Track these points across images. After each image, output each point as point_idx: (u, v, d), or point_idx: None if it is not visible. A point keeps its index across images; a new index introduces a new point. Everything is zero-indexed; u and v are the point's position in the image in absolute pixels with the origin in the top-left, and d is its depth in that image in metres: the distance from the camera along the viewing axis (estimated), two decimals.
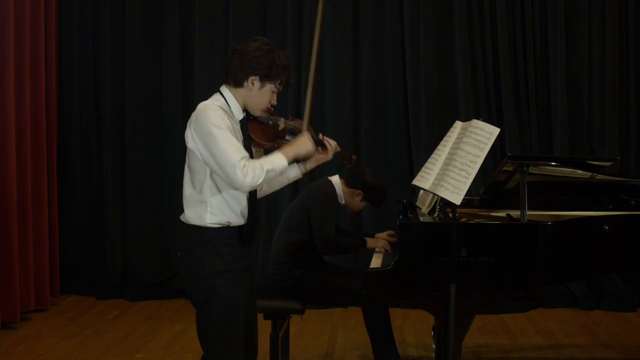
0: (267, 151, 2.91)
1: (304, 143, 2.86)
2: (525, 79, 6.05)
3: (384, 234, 4.17)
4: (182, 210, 2.92)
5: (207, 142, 2.72)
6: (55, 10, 6.19)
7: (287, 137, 2.91)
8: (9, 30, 5.33)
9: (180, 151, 6.44)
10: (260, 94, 2.83)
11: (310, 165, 3.01)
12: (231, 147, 2.69)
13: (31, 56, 5.67)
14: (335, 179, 4.18)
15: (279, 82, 2.84)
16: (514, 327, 5.36)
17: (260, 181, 2.70)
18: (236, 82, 2.83)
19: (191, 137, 2.78)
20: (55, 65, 6.16)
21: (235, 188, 2.75)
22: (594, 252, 3.50)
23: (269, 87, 2.83)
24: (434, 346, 4.16)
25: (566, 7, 6.01)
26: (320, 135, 2.98)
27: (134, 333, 5.22)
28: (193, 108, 3.44)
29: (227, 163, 2.68)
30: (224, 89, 2.87)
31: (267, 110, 2.89)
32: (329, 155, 2.98)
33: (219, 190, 2.80)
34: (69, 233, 6.39)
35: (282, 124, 2.91)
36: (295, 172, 3.03)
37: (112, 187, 6.40)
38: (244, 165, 2.67)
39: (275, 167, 2.75)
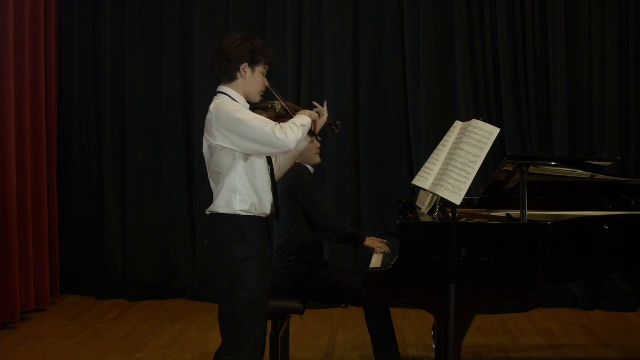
0: None
1: (307, 113, 3.04)
2: (525, 79, 6.04)
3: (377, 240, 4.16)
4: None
5: (237, 129, 2.86)
6: (55, 10, 6.18)
7: (286, 116, 3.16)
8: (9, 30, 5.32)
9: (180, 151, 6.55)
10: (254, 79, 3.03)
11: (317, 127, 3.17)
12: (259, 121, 2.87)
13: (31, 56, 5.67)
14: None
15: (264, 63, 3.04)
16: (514, 327, 5.36)
17: (300, 136, 2.89)
18: (230, 77, 3.02)
19: (220, 135, 2.90)
20: (55, 65, 6.16)
21: (283, 151, 2.89)
22: (594, 252, 3.50)
23: (258, 70, 3.03)
24: (434, 346, 4.15)
25: (566, 7, 6.01)
26: (313, 102, 3.23)
27: (134, 333, 5.22)
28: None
29: (263, 135, 2.84)
30: (223, 88, 3.03)
31: (261, 93, 3.09)
32: (324, 114, 3.15)
33: (247, 179, 2.95)
34: (69, 233, 6.39)
35: (278, 105, 3.17)
36: (304, 144, 3.16)
37: (112, 187, 6.40)
38: (280, 128, 2.85)
39: (304, 122, 2.93)
